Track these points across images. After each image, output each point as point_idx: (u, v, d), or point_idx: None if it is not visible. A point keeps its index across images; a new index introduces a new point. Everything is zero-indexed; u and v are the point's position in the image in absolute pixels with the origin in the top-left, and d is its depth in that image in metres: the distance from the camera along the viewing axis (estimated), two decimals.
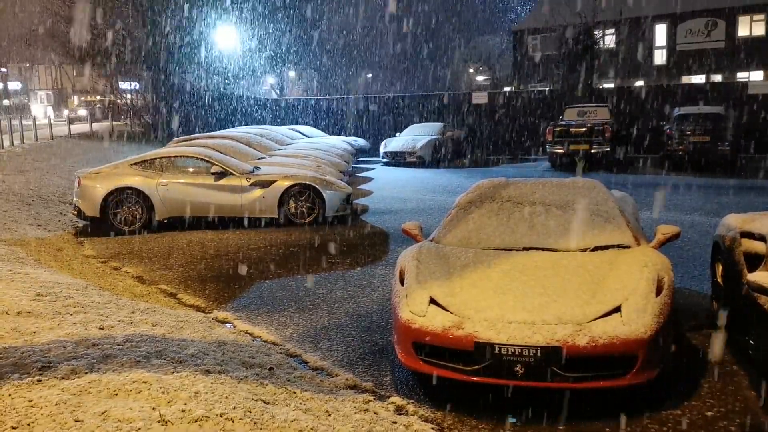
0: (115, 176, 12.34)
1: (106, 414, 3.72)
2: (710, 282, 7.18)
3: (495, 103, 27.98)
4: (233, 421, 3.83)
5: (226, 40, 33.52)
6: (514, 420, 4.70)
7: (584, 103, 24.74)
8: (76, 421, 3.63)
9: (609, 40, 37.90)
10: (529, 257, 5.67)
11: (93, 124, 30.19)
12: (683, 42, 38.09)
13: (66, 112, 46.10)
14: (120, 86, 36.86)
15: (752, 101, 23.30)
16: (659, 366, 4.78)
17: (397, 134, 26.35)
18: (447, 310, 4.99)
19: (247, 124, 30.03)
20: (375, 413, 4.63)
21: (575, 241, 5.93)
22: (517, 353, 4.61)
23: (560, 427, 4.59)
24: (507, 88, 41.74)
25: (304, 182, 12.47)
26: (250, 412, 4.01)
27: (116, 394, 4.07)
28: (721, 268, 6.54)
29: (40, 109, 55.14)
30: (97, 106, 45.44)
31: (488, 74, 61.60)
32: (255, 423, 3.87)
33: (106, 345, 5.15)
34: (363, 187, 18.04)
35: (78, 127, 31.61)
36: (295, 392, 4.72)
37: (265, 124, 29.88)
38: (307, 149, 19.02)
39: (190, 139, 17.74)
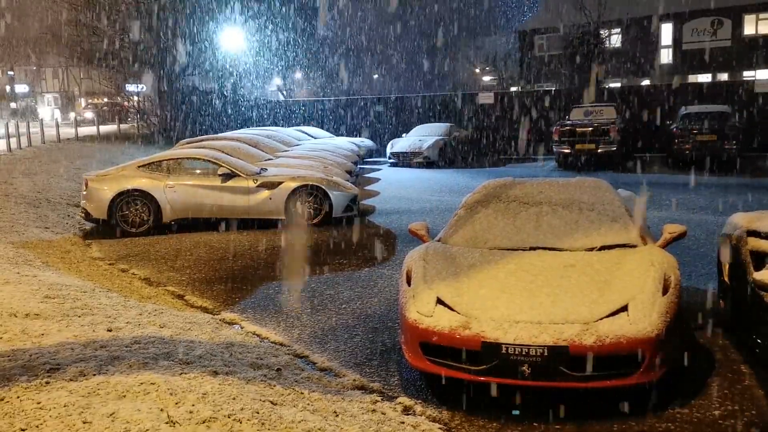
0: (122, 178, 12.38)
1: (115, 415, 3.73)
2: (717, 281, 7.17)
3: (501, 103, 27.94)
4: (241, 422, 3.85)
5: (233, 41, 33.56)
6: (521, 419, 4.70)
7: (590, 102, 24.70)
8: (85, 423, 3.65)
9: (615, 39, 37.82)
10: (535, 257, 5.67)
11: (100, 126, 30.24)
12: (689, 41, 37.98)
13: (73, 114, 46.20)
14: (127, 88, 36.97)
15: (759, 100, 23.19)
16: (666, 365, 4.78)
17: (404, 135, 26.33)
18: (454, 310, 5.00)
19: (254, 125, 30.06)
20: (383, 413, 4.63)
21: (582, 241, 5.93)
22: (524, 353, 4.61)
23: (567, 426, 4.59)
24: (513, 88, 41.69)
25: (311, 183, 12.48)
26: (258, 413, 4.02)
27: (124, 396, 4.08)
28: (727, 266, 6.53)
29: (48, 111, 55.29)
30: (104, 108, 45.52)
31: (494, 74, 61.46)
32: (263, 424, 3.88)
33: (114, 347, 5.17)
34: (370, 187, 18.04)
35: (85, 130, 31.71)
36: (302, 393, 4.73)
37: (272, 125, 29.91)
38: (314, 150, 19.02)
39: (197, 141, 17.77)
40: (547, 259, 5.59)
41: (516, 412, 4.73)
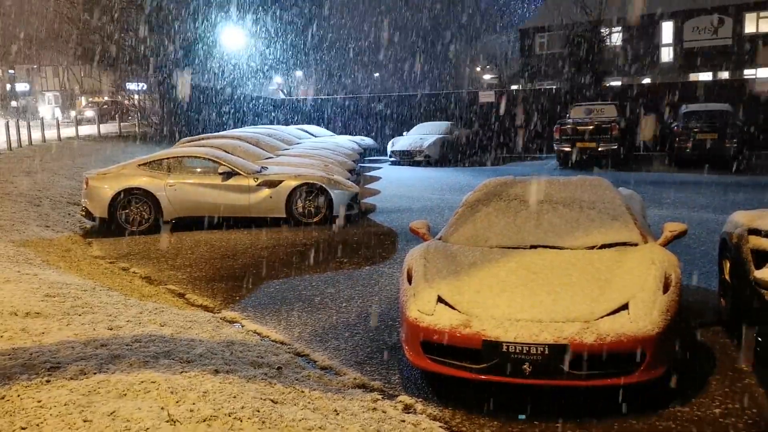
0: (122, 177, 12.38)
1: (115, 414, 3.73)
2: (718, 279, 7.16)
3: (502, 101, 27.93)
4: (241, 421, 3.84)
5: (234, 40, 33.55)
6: (522, 418, 4.70)
7: (591, 100, 24.70)
8: (85, 421, 3.64)
9: (616, 37, 37.77)
10: (536, 255, 5.66)
11: (100, 125, 30.23)
12: (690, 39, 37.96)
13: (73, 113, 46.20)
14: (127, 87, 36.97)
15: (760, 98, 23.17)
16: (667, 363, 4.77)
17: (405, 133, 26.34)
18: (455, 309, 4.99)
19: (254, 123, 30.06)
20: (383, 412, 4.63)
21: (582, 239, 5.92)
22: (524, 351, 4.61)
23: (568, 425, 4.58)
24: (514, 87, 41.67)
25: (311, 182, 12.47)
26: (259, 411, 4.01)
27: (125, 394, 4.08)
28: (728, 265, 6.52)
29: (48, 110, 55.28)
30: (105, 107, 45.53)
31: (495, 73, 61.45)
32: (263, 422, 3.88)
33: (115, 345, 5.17)
34: (370, 186, 18.04)
35: (86, 128, 31.70)
36: (303, 391, 4.72)
37: (272, 123, 29.92)
38: (314, 149, 19.03)
39: (198, 140, 17.77)
40: (548, 258, 5.58)
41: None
